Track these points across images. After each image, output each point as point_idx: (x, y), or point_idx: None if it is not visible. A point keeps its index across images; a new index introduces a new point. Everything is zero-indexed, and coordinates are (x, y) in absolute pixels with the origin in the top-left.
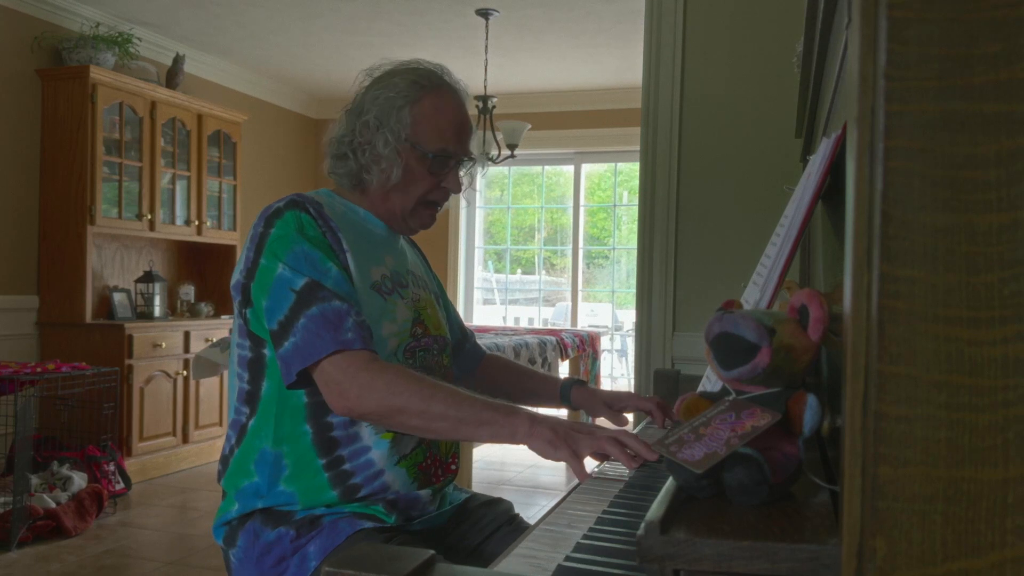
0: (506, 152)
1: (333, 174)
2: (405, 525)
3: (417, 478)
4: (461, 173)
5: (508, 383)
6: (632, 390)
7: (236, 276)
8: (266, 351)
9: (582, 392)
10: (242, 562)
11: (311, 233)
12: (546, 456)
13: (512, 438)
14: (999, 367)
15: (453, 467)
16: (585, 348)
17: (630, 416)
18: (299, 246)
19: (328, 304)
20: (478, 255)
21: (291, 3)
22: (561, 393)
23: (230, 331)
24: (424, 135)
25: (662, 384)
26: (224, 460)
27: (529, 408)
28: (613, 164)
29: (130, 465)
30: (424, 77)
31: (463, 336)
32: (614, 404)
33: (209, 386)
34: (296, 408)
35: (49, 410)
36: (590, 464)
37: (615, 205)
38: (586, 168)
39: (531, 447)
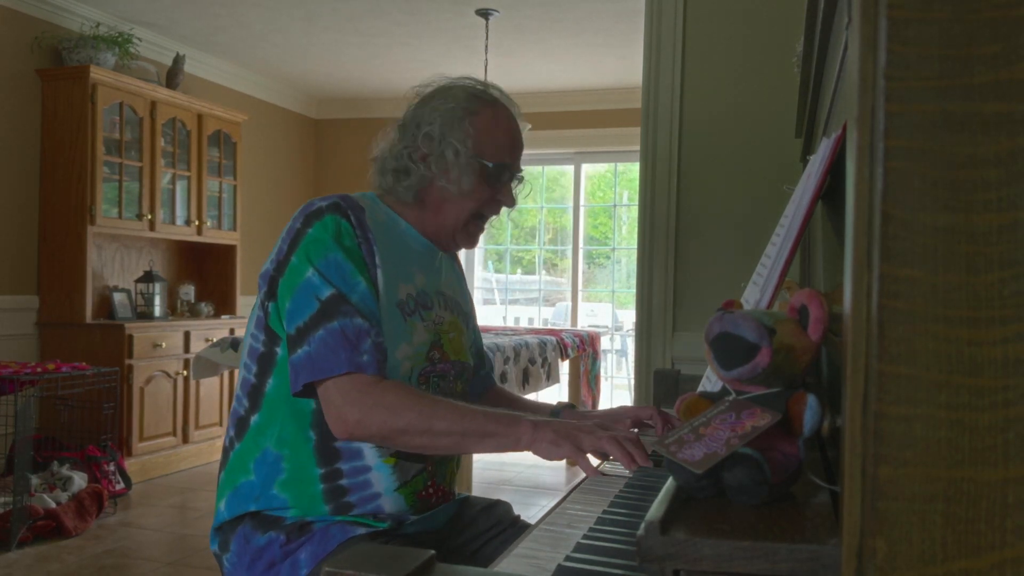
0: None
1: (390, 191)
2: (398, 529)
3: (414, 505)
4: (514, 187)
5: None
6: (632, 390)
7: (266, 266)
8: (279, 349)
9: (572, 417)
10: (235, 566)
11: (347, 243)
12: (551, 457)
13: (516, 446)
14: (999, 367)
15: (452, 494)
16: (585, 348)
17: None
18: (333, 254)
19: (350, 320)
20: (478, 255)
21: (291, 3)
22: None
23: (252, 317)
24: (484, 146)
25: (662, 384)
26: (225, 452)
27: (530, 415)
28: (613, 164)
29: (130, 465)
30: (480, 92)
31: (479, 362)
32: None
33: (209, 386)
34: (302, 412)
35: (49, 410)
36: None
37: (615, 205)
38: (586, 168)
39: (535, 452)
